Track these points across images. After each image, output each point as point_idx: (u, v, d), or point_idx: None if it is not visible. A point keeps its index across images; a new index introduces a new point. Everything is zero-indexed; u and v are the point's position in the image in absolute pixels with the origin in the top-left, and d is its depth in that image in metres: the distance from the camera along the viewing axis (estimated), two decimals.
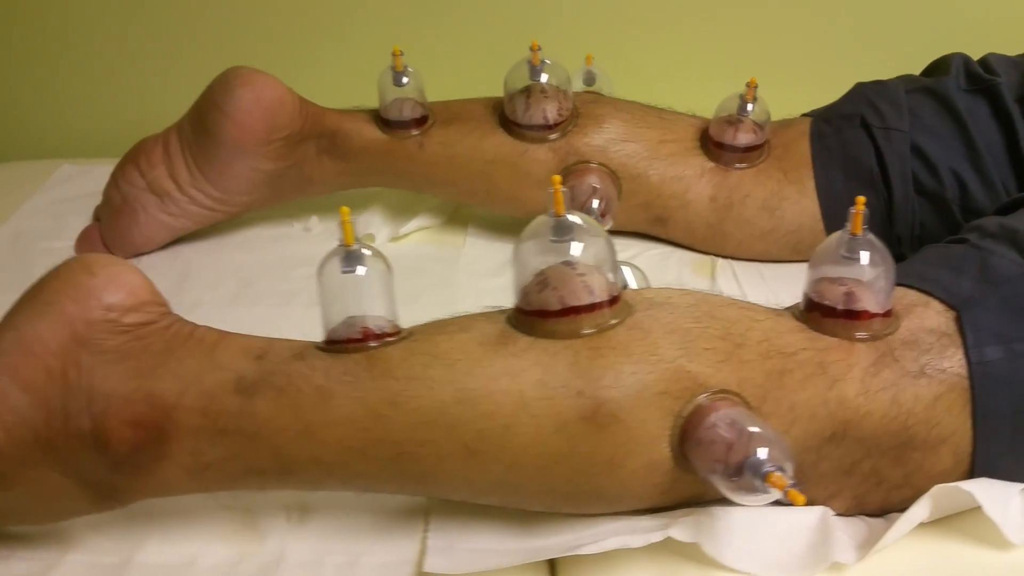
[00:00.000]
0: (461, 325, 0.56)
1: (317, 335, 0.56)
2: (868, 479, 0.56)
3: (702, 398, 0.52)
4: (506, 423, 0.52)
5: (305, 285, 0.84)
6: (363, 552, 0.57)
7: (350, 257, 0.55)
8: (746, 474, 0.49)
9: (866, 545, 0.54)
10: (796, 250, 0.86)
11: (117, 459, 0.52)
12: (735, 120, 0.85)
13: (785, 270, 0.85)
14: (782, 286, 0.81)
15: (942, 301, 0.58)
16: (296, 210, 0.96)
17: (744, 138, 0.84)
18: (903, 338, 0.56)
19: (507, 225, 0.93)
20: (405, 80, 0.85)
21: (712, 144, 0.86)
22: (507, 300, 0.57)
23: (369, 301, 0.55)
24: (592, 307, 0.54)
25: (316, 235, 0.93)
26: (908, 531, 0.54)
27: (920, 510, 0.54)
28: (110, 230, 0.90)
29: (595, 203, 0.82)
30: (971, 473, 0.56)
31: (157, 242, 0.90)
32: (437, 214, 0.96)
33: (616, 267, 0.56)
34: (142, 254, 0.90)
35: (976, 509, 0.54)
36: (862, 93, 0.86)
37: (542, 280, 0.55)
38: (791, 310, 0.60)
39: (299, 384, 0.52)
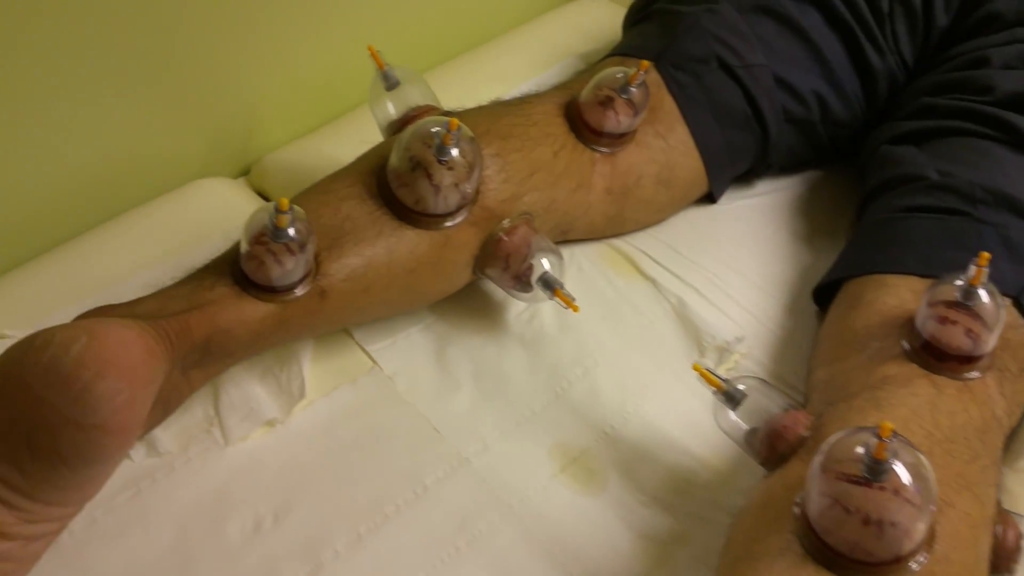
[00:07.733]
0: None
1: None
2: None
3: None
4: None
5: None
6: None
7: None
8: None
9: None
10: (684, 206, 0.83)
11: None
12: (607, 101, 0.74)
13: (678, 229, 0.83)
14: (702, 259, 0.80)
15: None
16: None
17: (626, 122, 0.75)
18: (999, 345, 0.62)
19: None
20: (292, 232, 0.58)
21: (589, 131, 0.75)
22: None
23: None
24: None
25: None
26: None
27: None
28: None
29: (545, 264, 0.69)
30: None
31: None
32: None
33: None
34: None
35: None
36: (702, 28, 0.80)
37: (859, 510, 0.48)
38: (905, 351, 0.61)
39: None
